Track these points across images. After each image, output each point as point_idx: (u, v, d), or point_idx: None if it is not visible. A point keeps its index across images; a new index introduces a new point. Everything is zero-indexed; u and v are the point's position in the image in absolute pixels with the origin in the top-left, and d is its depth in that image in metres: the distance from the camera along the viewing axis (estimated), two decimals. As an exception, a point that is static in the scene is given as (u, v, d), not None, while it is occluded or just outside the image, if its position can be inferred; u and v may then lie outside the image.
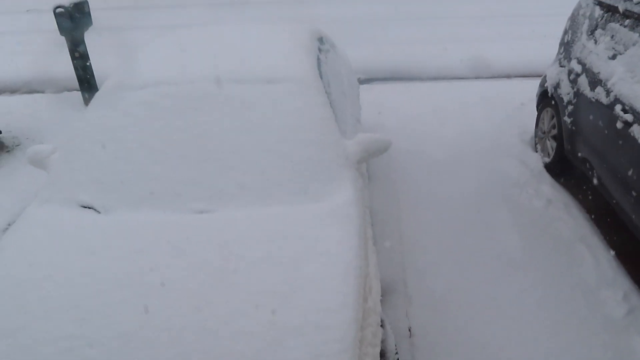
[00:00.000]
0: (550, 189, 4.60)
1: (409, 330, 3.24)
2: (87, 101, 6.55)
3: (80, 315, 2.23)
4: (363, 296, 2.34)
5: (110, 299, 2.29)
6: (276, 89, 3.21)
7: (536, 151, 5.20)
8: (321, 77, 3.47)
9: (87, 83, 6.59)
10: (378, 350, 2.26)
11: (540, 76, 5.32)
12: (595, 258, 3.78)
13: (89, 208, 2.87)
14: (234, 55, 3.53)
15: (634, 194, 3.49)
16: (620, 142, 3.61)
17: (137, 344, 2.11)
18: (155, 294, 2.29)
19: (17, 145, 5.91)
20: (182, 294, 2.29)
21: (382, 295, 2.58)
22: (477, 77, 7.11)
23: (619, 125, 3.62)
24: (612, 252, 3.80)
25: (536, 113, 5.29)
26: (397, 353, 2.58)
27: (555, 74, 4.85)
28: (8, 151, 5.81)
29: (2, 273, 2.49)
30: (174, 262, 2.45)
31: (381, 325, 2.41)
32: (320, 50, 3.94)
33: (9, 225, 4.44)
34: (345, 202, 2.77)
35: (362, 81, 6.73)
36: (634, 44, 3.80)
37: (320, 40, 4.16)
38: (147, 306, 2.24)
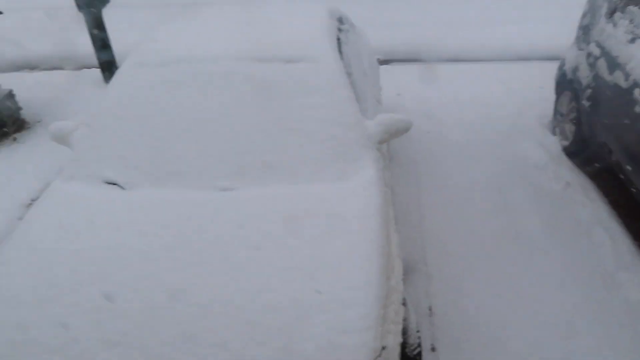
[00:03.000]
0: (569, 172, 4.58)
1: (430, 309, 3.28)
2: (106, 78, 6.58)
3: (108, 289, 2.28)
4: (386, 274, 2.37)
5: (136, 274, 2.34)
6: (298, 68, 3.21)
7: (555, 134, 5.16)
8: (341, 57, 3.46)
9: (106, 60, 6.61)
10: (400, 327, 2.29)
11: (559, 59, 5.25)
12: (614, 241, 3.77)
13: (114, 184, 2.91)
14: (255, 34, 3.54)
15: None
16: (641, 125, 3.58)
17: (164, 318, 2.15)
18: (181, 270, 2.34)
19: (38, 122, 5.97)
20: (208, 270, 2.33)
21: (404, 275, 2.60)
22: (497, 60, 7.03)
23: (638, 109, 3.58)
24: (630, 236, 3.79)
25: (555, 96, 5.24)
26: (418, 331, 2.62)
27: (573, 57, 4.80)
28: (29, 127, 5.87)
29: (30, 247, 2.55)
30: (198, 238, 2.48)
31: (403, 304, 2.44)
32: (340, 30, 3.93)
33: (32, 201, 4.50)
34: (367, 181, 2.79)
35: (381, 62, 6.69)
36: (655, 28, 3.74)
37: (340, 20, 4.13)
38: (173, 281, 2.29)
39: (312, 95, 3.11)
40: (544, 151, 4.89)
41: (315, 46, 3.40)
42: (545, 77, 5.88)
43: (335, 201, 2.66)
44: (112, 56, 6.63)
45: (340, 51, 3.54)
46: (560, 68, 5.10)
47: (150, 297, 2.23)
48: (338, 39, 3.70)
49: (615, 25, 4.25)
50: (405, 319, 2.46)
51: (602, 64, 4.22)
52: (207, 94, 3.13)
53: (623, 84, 3.83)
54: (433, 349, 3.02)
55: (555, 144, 5.00)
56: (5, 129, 5.65)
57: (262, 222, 2.55)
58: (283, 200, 2.68)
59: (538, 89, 6.01)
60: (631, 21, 4.03)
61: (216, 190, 2.80)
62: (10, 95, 5.85)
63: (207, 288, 2.26)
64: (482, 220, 4.05)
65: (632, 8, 4.07)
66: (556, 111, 5.20)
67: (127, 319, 2.17)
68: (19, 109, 5.95)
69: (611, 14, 4.35)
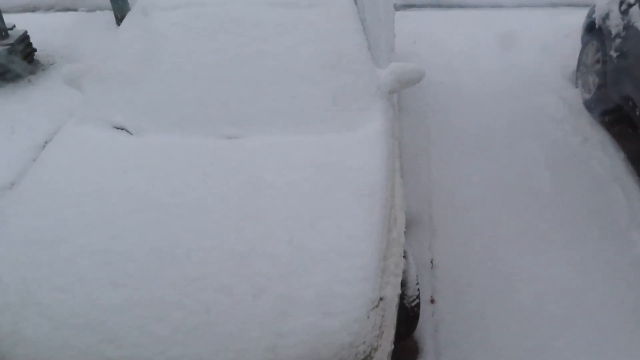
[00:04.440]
0: (588, 127, 4.45)
1: (431, 262, 3.28)
2: (119, 20, 6.50)
3: (115, 231, 2.34)
4: (387, 227, 2.37)
5: (142, 218, 2.38)
6: (309, 13, 3.15)
7: (577, 87, 4.99)
8: (356, 2, 3.35)
9: (119, 1, 6.52)
10: (399, 280, 2.30)
11: (588, 6, 5.02)
12: (629, 199, 3.70)
13: (122, 129, 2.91)
14: None
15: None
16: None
17: (168, 261, 2.20)
18: (185, 215, 2.37)
19: (52, 64, 5.96)
20: (211, 217, 2.36)
21: (407, 227, 2.60)
22: (520, 6, 6.76)
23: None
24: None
25: (580, 46, 5.04)
26: (417, 283, 2.63)
27: (605, 4, 4.57)
28: (43, 69, 5.87)
29: (42, 189, 2.60)
30: (203, 185, 2.51)
31: (404, 256, 2.44)
32: (355, -28, 3.78)
33: (46, 142, 4.55)
34: (374, 132, 2.76)
35: (398, 7, 6.49)
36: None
37: (356, -39, 3.97)
38: (178, 226, 2.32)
39: (324, 42, 3.06)
40: (564, 104, 4.74)
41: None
42: (572, 25, 5.64)
43: (341, 151, 2.64)
44: (125, -3, 6.54)
45: (354, -4, 3.43)
46: (589, 16, 4.87)
47: (155, 242, 2.27)
48: (353, -18, 3.57)
49: (653, -31, 4.03)
50: (405, 271, 2.47)
51: (635, 11, 4.02)
52: (217, 39, 3.10)
53: (657, 34, 3.64)
54: (432, 301, 3.05)
55: (576, 97, 4.84)
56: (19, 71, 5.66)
57: (266, 170, 2.55)
58: (289, 149, 2.67)
59: (563, 37, 5.78)
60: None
61: (223, 137, 2.80)
62: (25, 36, 5.83)
63: (211, 234, 2.29)
64: (494, 175, 3.98)
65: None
66: (580, 62, 5.01)
67: (133, 262, 2.22)
68: (34, 50, 5.94)
69: (649, -44, 4.11)
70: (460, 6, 6.81)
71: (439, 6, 6.84)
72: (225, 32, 3.10)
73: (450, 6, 6.82)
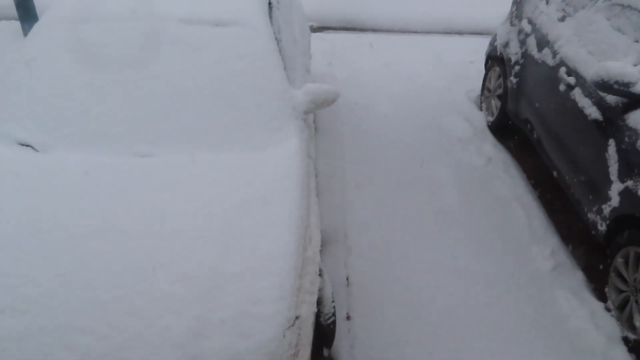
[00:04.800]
0: (491, 148, 4.74)
1: (347, 279, 3.34)
2: (26, 31, 6.16)
3: (17, 254, 2.20)
4: (303, 245, 2.39)
5: (47, 239, 2.26)
6: (224, 32, 3.14)
7: (481, 110, 5.31)
8: (272, 23, 3.40)
9: (26, 12, 6.18)
10: (315, 298, 2.33)
11: (491, 34, 5.37)
12: (528, 216, 3.95)
13: (27, 146, 2.78)
14: None
15: (569, 156, 3.64)
16: (562, 105, 3.73)
17: (76, 284, 2.10)
18: (95, 236, 2.28)
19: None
20: (122, 237, 2.28)
21: (322, 246, 2.64)
22: (430, 32, 7.11)
23: (562, 87, 3.72)
24: (545, 211, 4.00)
25: (484, 72, 5.37)
26: (333, 301, 2.66)
27: (505, 33, 4.92)
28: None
29: None
30: (112, 205, 2.42)
31: (319, 274, 2.47)
32: (272, -6, 3.83)
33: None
34: (289, 152, 2.78)
35: (314, 29, 6.62)
36: (583, 7, 3.88)
37: (273, -16, 4.03)
38: (86, 248, 2.22)
39: (238, 61, 3.06)
40: (470, 126, 5.02)
41: (244, 10, 3.31)
42: (477, 52, 6.01)
43: (256, 171, 2.64)
44: (33, 8, 6.22)
45: (270, 16, 3.47)
46: (492, 43, 5.21)
47: (61, 264, 2.16)
48: (269, 4, 3.62)
49: (547, 2, 4.37)
50: (320, 289, 2.50)
51: (531, 41, 4.35)
52: (128, 54, 3.02)
53: (550, 62, 3.95)
54: (348, 318, 3.09)
55: (480, 120, 5.14)
56: None
57: (179, 190, 2.50)
58: (203, 168, 2.64)
59: (469, 63, 6.14)
60: (563, -1, 4.15)
61: (134, 155, 2.72)
62: None
63: (121, 256, 2.21)
64: (405, 193, 4.13)
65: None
66: (484, 87, 5.34)
67: (37, 286, 2.09)
68: None
69: (546, -10, 4.45)
70: (374, 30, 7.06)
71: (354, 29, 7.05)
72: (138, 47, 3.03)
73: (364, 29, 7.06)
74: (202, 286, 2.12)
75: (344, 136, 4.77)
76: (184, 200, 2.45)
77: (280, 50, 3.25)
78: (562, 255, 3.62)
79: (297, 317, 2.15)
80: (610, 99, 3.23)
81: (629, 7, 3.39)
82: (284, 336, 2.04)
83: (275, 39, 3.28)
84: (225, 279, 2.15)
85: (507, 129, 4.86)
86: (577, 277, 3.44)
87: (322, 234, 2.70)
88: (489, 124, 5.06)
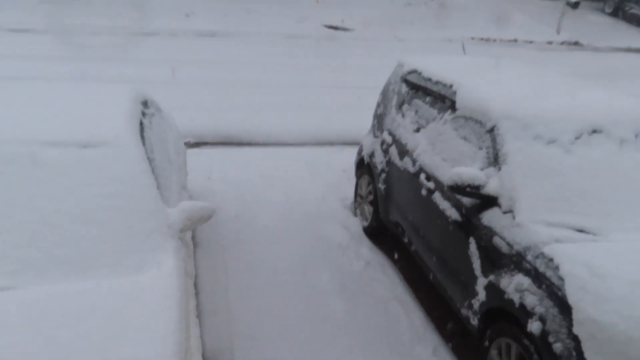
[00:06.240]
0: (368, 251, 4.92)
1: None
2: None
3: None
4: (182, 374, 2.26)
5: None
6: (93, 154, 3.07)
7: (356, 215, 5.55)
8: (143, 143, 3.39)
9: None
10: None
11: (358, 145, 5.75)
12: (409, 316, 4.08)
13: None
14: (48, 116, 3.33)
15: (437, 255, 3.88)
16: (425, 208, 4.03)
17: None
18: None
19: None
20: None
21: (204, 369, 2.51)
22: (304, 144, 7.46)
23: (424, 192, 4.05)
24: (423, 309, 4.15)
25: (355, 179, 5.68)
26: None
27: (370, 144, 5.31)
28: None
29: None
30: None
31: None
32: (144, 114, 3.86)
33: None
34: (165, 273, 2.70)
35: (191, 145, 6.70)
36: (433, 119, 4.32)
37: (145, 103, 4.08)
38: None
39: (108, 183, 2.98)
40: (347, 232, 5.21)
41: (114, 131, 3.28)
42: (347, 161, 6.37)
43: (130, 297, 2.51)
44: None
45: (142, 136, 3.47)
46: (359, 153, 5.57)
47: None
48: (141, 123, 3.63)
49: (404, 115, 4.82)
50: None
51: (393, 150, 4.72)
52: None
53: (411, 169, 4.31)
54: None
55: (356, 225, 5.37)
56: None
57: (44, 325, 2.30)
58: (70, 298, 2.46)
59: (341, 172, 6.47)
60: (416, 113, 4.60)
61: (-8, 289, 2.48)
62: None
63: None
64: (289, 304, 4.11)
65: (417, 101, 4.67)
66: (356, 193, 5.63)
67: None
68: None
69: (400, 105, 4.93)
70: (250, 144, 7.28)
71: (231, 143, 7.22)
72: (-3, 173, 2.87)
73: (240, 144, 7.25)
74: None
75: (225, 250, 4.72)
76: (51, 336, 2.25)
77: (153, 170, 3.23)
78: (444, 353, 3.74)
79: None
80: (466, 200, 3.55)
81: (471, 118, 3.83)
82: None
83: (148, 158, 3.26)
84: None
85: (381, 233, 5.10)
86: (460, 374, 3.56)
87: (207, 353, 2.58)
88: (365, 228, 5.28)
